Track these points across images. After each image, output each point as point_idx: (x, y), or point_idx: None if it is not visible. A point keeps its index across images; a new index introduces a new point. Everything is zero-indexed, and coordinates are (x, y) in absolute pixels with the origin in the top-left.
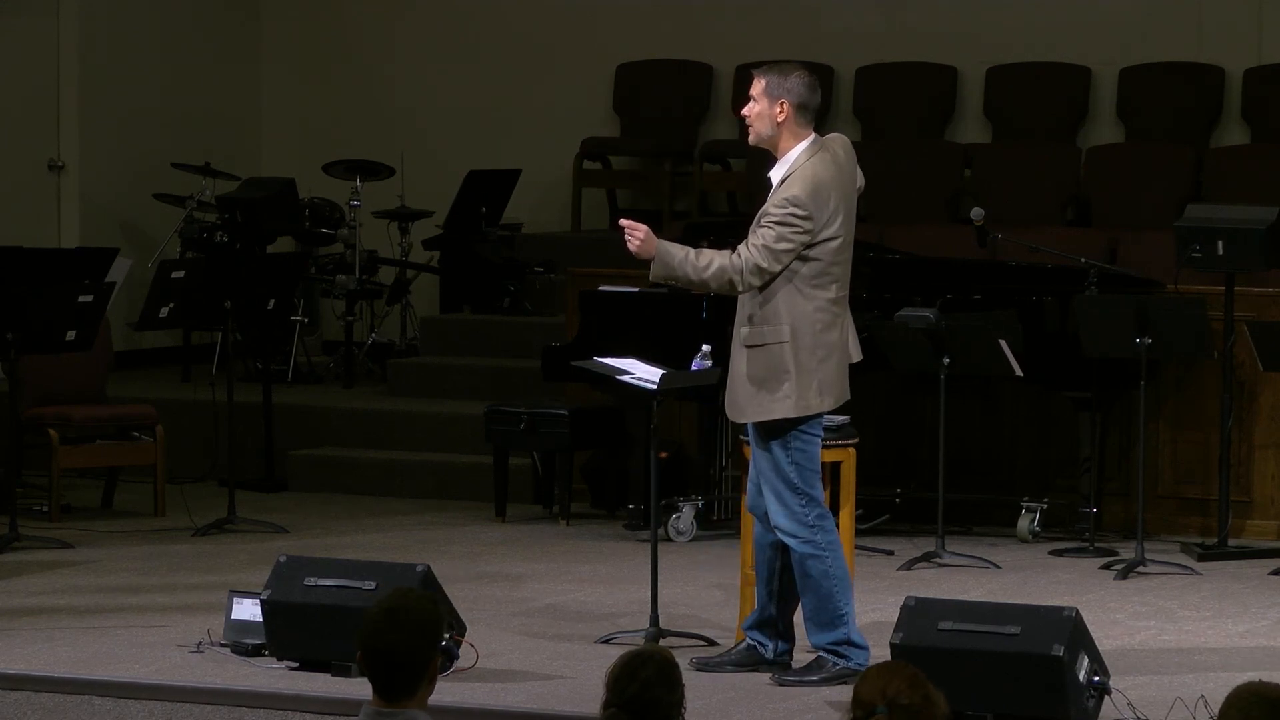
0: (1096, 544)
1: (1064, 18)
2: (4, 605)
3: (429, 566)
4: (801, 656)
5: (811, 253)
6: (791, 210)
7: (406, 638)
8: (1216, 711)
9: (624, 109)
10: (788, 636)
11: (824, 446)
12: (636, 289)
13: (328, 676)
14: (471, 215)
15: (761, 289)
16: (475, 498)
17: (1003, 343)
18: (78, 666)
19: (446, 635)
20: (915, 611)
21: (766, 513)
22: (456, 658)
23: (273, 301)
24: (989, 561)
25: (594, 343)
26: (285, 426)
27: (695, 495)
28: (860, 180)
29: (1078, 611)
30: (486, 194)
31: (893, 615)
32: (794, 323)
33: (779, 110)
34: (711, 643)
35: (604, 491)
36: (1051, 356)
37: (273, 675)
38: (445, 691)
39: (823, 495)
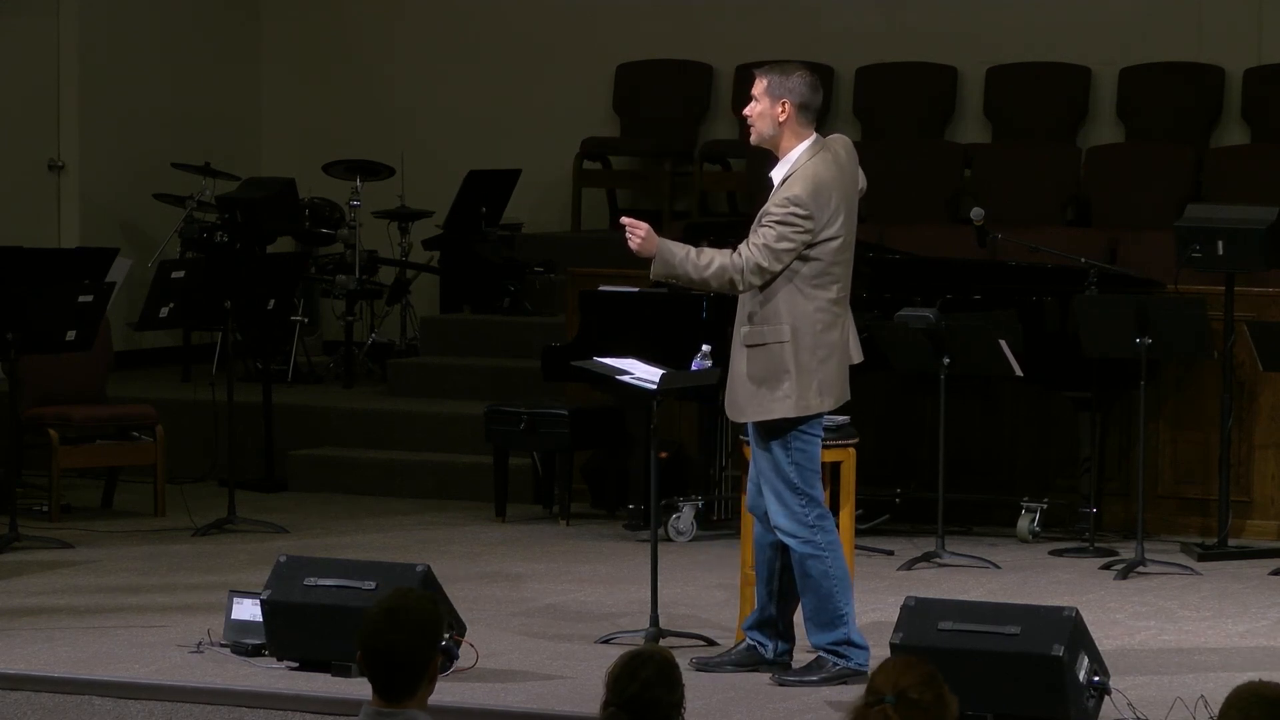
0: (1096, 544)
1: (1064, 18)
2: (4, 605)
3: (429, 566)
4: (801, 656)
5: (812, 253)
6: (792, 210)
7: (407, 638)
8: (1216, 711)
9: (624, 109)
10: (788, 636)
11: (824, 446)
12: (636, 289)
13: (328, 676)
14: (471, 215)
15: (762, 289)
16: (475, 498)
17: (1003, 343)
18: (78, 666)
19: (446, 635)
20: (915, 611)
21: (766, 512)
22: (456, 658)
23: (273, 301)
24: (989, 561)
25: (594, 343)
26: (285, 426)
27: (695, 495)
28: (862, 182)
29: (1078, 611)
30: (486, 194)
31: (893, 615)
32: (794, 322)
33: (780, 110)
34: (711, 643)
35: (604, 491)
36: (1051, 356)
37: (273, 675)
38: (445, 691)
39: (823, 495)
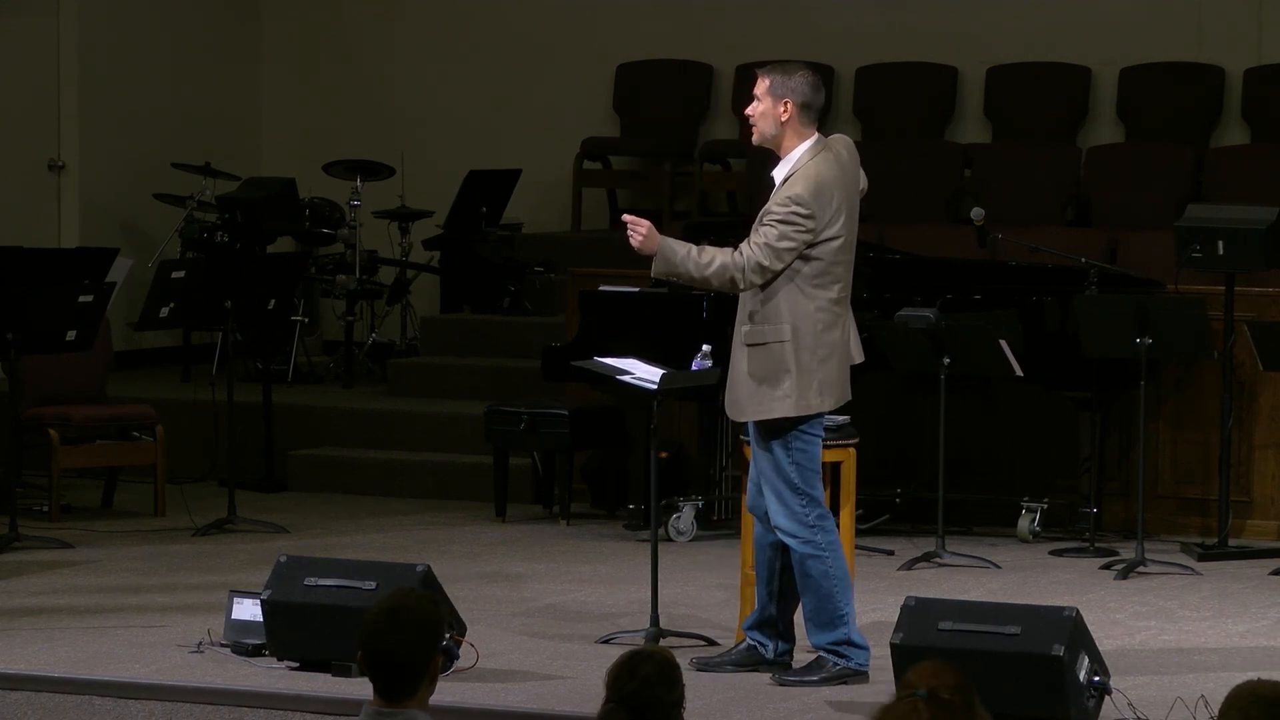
0: (1096, 544)
1: (1064, 18)
2: (4, 605)
3: (429, 566)
4: (801, 656)
5: (813, 252)
6: (794, 209)
7: (407, 638)
8: (1216, 711)
9: (624, 109)
10: (788, 636)
11: (824, 446)
12: (636, 289)
13: (328, 676)
14: (471, 215)
15: (763, 288)
16: (475, 498)
17: (1003, 343)
18: (78, 666)
19: (447, 635)
20: (915, 611)
21: (766, 512)
22: (457, 658)
23: (273, 301)
24: (989, 561)
25: (594, 343)
26: (285, 426)
27: (695, 495)
28: (863, 182)
29: (1078, 611)
30: (486, 194)
31: (893, 615)
32: (795, 322)
33: (783, 109)
34: (712, 643)
35: (604, 491)
36: (1051, 356)
37: (273, 675)
38: (445, 691)
39: (823, 495)
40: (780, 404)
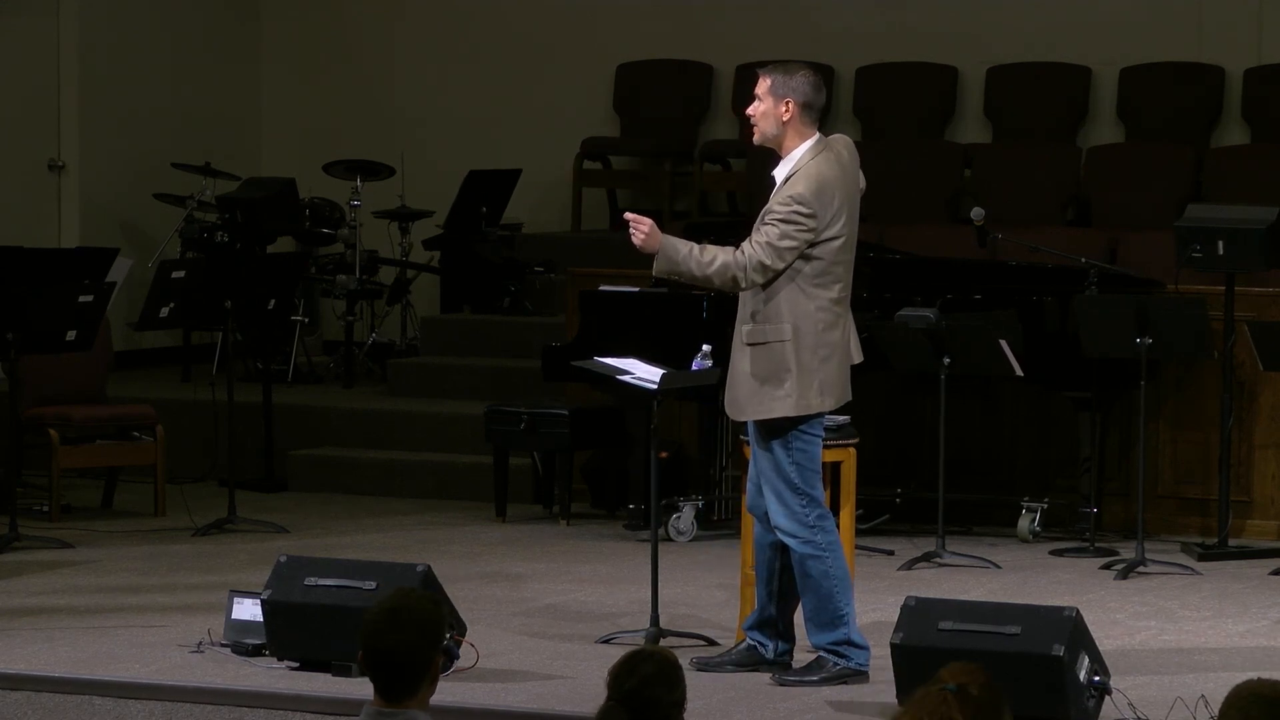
0: (1096, 544)
1: (1064, 18)
2: (4, 605)
3: (429, 566)
4: (801, 656)
5: (814, 251)
6: (795, 208)
7: (408, 638)
8: (1216, 711)
9: (624, 109)
10: (788, 636)
11: (824, 446)
12: (636, 289)
13: (328, 676)
14: (471, 215)
15: (764, 287)
16: (475, 498)
17: (1003, 343)
18: (78, 666)
19: (447, 635)
20: (915, 611)
21: (765, 512)
22: (457, 658)
23: (273, 301)
24: (989, 561)
25: (594, 343)
26: (285, 426)
27: (695, 495)
28: (861, 182)
29: (1078, 611)
30: (486, 194)
31: (893, 615)
32: (796, 321)
33: (784, 109)
34: (712, 642)
35: (604, 491)
36: (1051, 356)
37: (273, 675)
38: (445, 691)
39: (823, 495)
40: (781, 403)
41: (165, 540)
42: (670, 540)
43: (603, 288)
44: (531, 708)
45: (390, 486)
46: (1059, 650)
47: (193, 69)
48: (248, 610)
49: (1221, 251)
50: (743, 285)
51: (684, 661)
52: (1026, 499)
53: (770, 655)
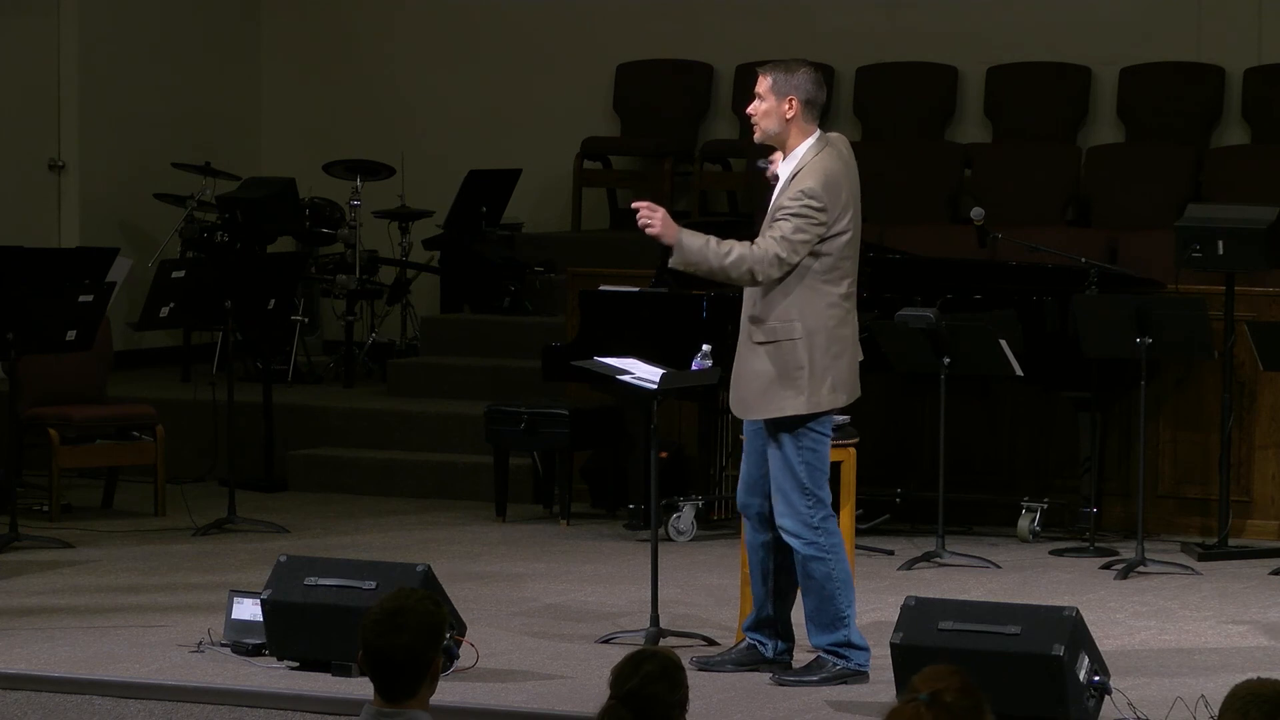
0: (1096, 544)
1: (1064, 18)
2: (4, 605)
3: (429, 566)
4: (801, 656)
5: (823, 247)
6: (807, 202)
7: (409, 638)
8: (1216, 711)
9: (624, 109)
10: (787, 636)
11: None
12: (636, 289)
13: (328, 676)
14: (471, 215)
15: (773, 286)
16: (475, 498)
17: (1003, 343)
18: (78, 666)
19: (447, 635)
20: (915, 611)
21: (758, 512)
22: (457, 658)
23: (273, 301)
24: (989, 561)
25: (594, 343)
26: (285, 426)
27: (695, 495)
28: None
29: (1078, 611)
30: (486, 194)
31: (893, 615)
32: (807, 319)
33: (787, 106)
34: (711, 642)
35: (604, 491)
36: (1051, 356)
37: (273, 675)
38: (445, 691)
39: (829, 496)
40: (793, 401)
41: (165, 540)
42: (670, 540)
43: (603, 288)
44: (531, 708)
45: (390, 486)
46: (1059, 650)
47: (193, 69)
48: (248, 610)
49: (1221, 251)
50: (759, 279)
51: (685, 661)
52: (1026, 499)
53: (770, 654)
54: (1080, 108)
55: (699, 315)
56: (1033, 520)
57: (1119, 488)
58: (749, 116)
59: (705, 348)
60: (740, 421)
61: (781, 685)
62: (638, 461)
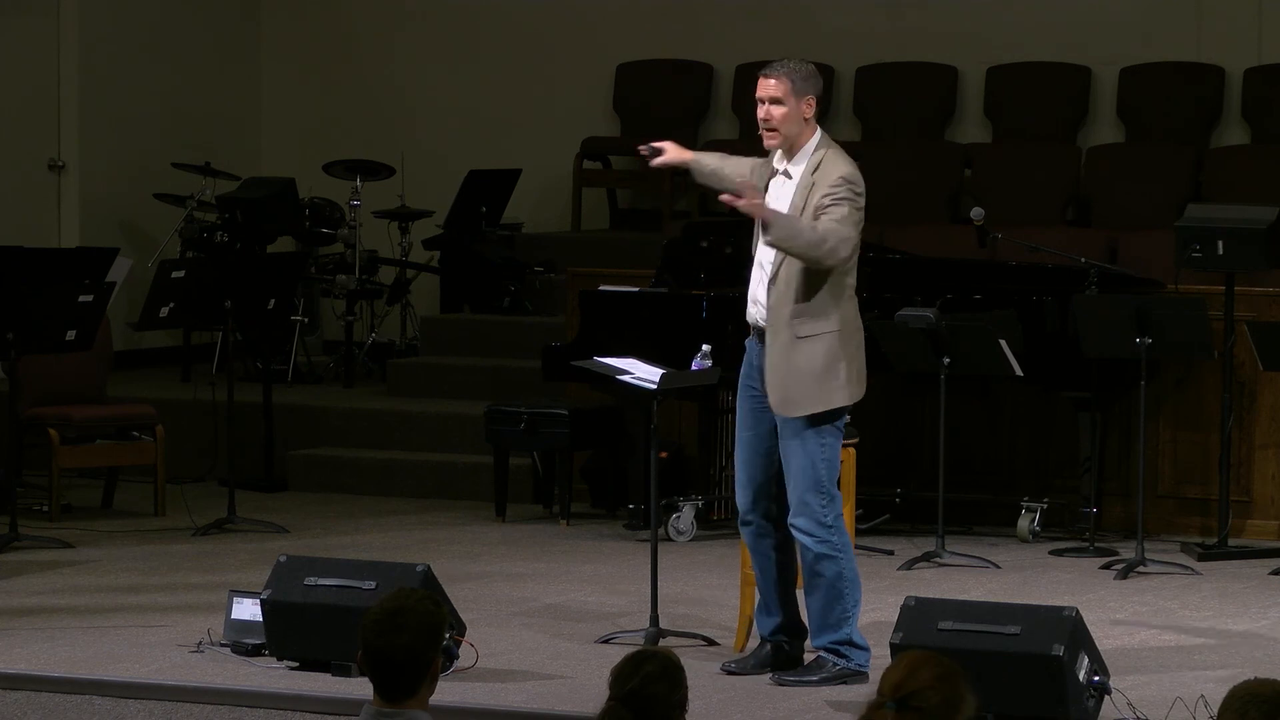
0: (1096, 544)
1: (1064, 18)
2: (4, 605)
3: (429, 566)
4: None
5: None
6: (849, 186)
7: (408, 638)
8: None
9: (624, 109)
10: (804, 631)
11: None
12: (636, 289)
13: (328, 676)
14: (471, 215)
15: (810, 278)
16: (475, 498)
17: (1002, 342)
18: (78, 666)
19: (447, 635)
20: (915, 611)
21: (764, 515)
22: (456, 657)
23: (273, 301)
24: (989, 561)
25: (594, 343)
26: (285, 426)
27: (695, 495)
28: None
29: (1078, 611)
30: (486, 194)
31: (893, 615)
32: (840, 311)
33: (806, 106)
34: (711, 642)
35: (604, 491)
36: (1051, 356)
37: (273, 675)
38: (445, 691)
39: (839, 495)
40: (838, 394)
41: (165, 540)
42: (670, 540)
43: (603, 288)
44: (531, 708)
45: (390, 486)
46: (1059, 650)
47: (193, 69)
48: (247, 610)
49: (1221, 251)
50: (834, 259)
51: (685, 661)
52: (1026, 499)
53: (795, 653)
54: (1080, 108)
55: (699, 315)
56: (1032, 520)
57: (1119, 488)
58: (764, 123)
59: (705, 348)
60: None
61: (781, 685)
62: (638, 461)
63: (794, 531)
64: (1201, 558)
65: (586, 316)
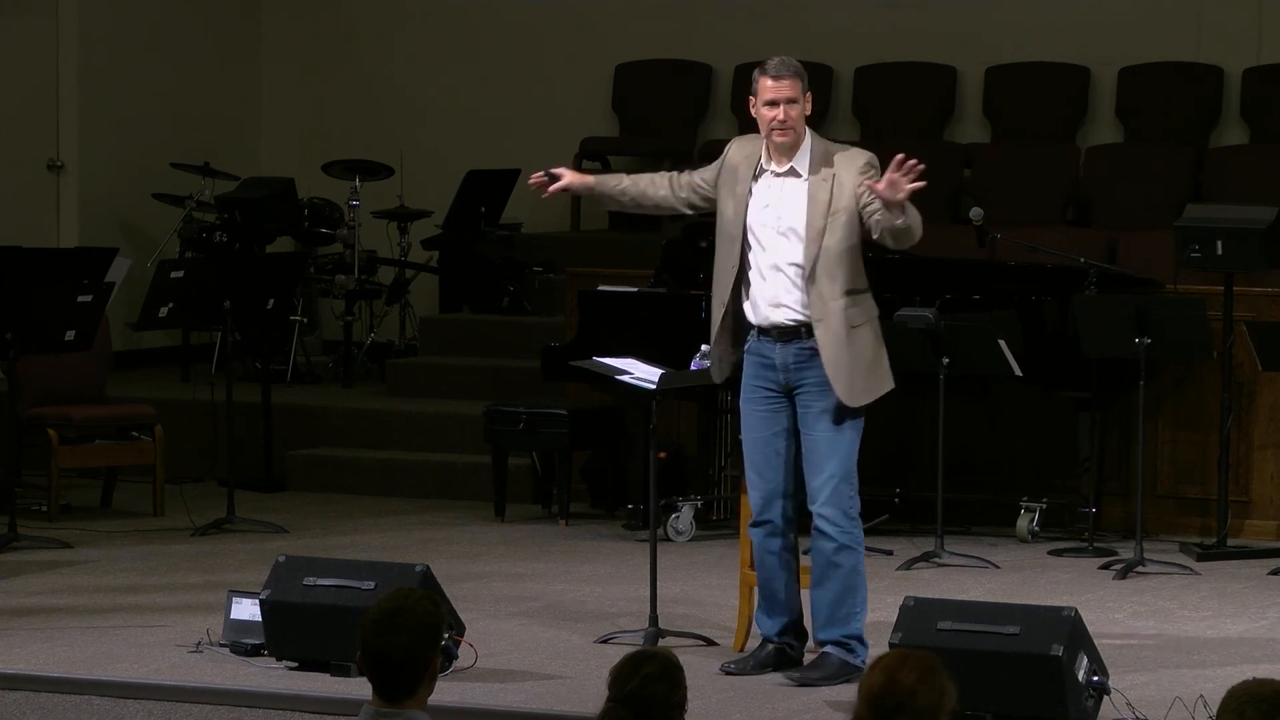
0: (1096, 544)
1: (1064, 18)
2: (3, 605)
3: (428, 566)
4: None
5: (862, 225)
6: (879, 169)
7: (407, 638)
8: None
9: (623, 109)
10: (806, 634)
11: None
12: (636, 289)
13: (327, 676)
14: (471, 215)
15: (852, 268)
16: (475, 498)
17: (1002, 343)
18: (77, 666)
19: (446, 635)
20: (915, 611)
21: (780, 514)
22: (456, 658)
23: (272, 301)
24: (988, 561)
25: (593, 343)
26: (285, 426)
27: (694, 495)
28: None
29: (1077, 611)
30: (486, 194)
31: (892, 615)
32: (871, 298)
33: (808, 103)
34: (711, 642)
35: (603, 491)
36: (1051, 356)
37: (272, 675)
38: (445, 691)
39: None
40: (886, 379)
41: (165, 540)
42: (669, 540)
43: (602, 288)
44: (530, 708)
45: (389, 486)
46: (1058, 650)
47: (193, 69)
48: (246, 610)
49: (1221, 251)
50: (911, 241)
51: (685, 661)
52: (1025, 499)
53: (798, 655)
54: (1080, 108)
55: (698, 315)
56: (1032, 520)
57: (1118, 488)
58: (780, 124)
59: (704, 348)
60: (738, 421)
61: (781, 685)
62: (637, 461)
63: (819, 520)
64: (1200, 558)
65: (585, 316)
